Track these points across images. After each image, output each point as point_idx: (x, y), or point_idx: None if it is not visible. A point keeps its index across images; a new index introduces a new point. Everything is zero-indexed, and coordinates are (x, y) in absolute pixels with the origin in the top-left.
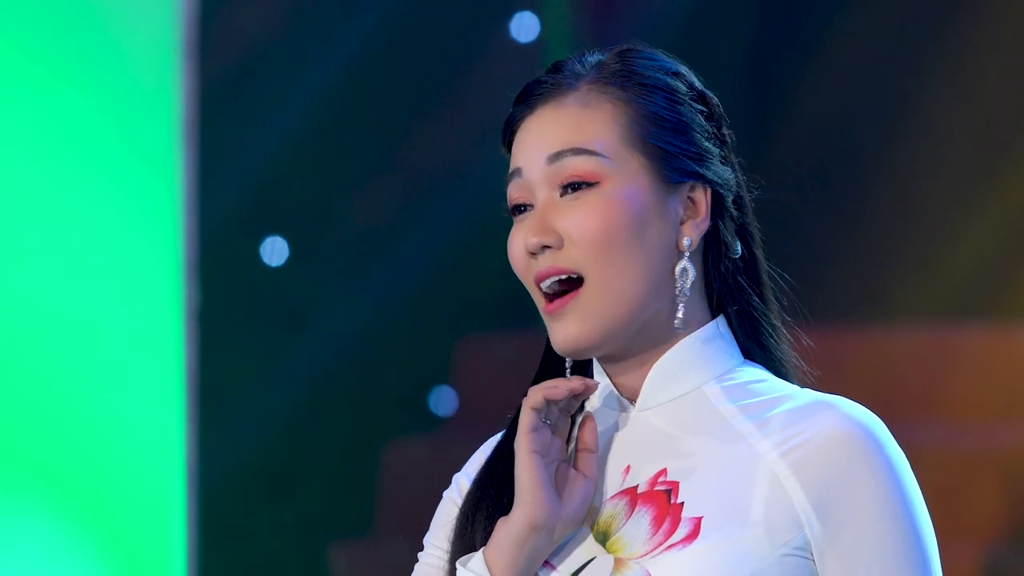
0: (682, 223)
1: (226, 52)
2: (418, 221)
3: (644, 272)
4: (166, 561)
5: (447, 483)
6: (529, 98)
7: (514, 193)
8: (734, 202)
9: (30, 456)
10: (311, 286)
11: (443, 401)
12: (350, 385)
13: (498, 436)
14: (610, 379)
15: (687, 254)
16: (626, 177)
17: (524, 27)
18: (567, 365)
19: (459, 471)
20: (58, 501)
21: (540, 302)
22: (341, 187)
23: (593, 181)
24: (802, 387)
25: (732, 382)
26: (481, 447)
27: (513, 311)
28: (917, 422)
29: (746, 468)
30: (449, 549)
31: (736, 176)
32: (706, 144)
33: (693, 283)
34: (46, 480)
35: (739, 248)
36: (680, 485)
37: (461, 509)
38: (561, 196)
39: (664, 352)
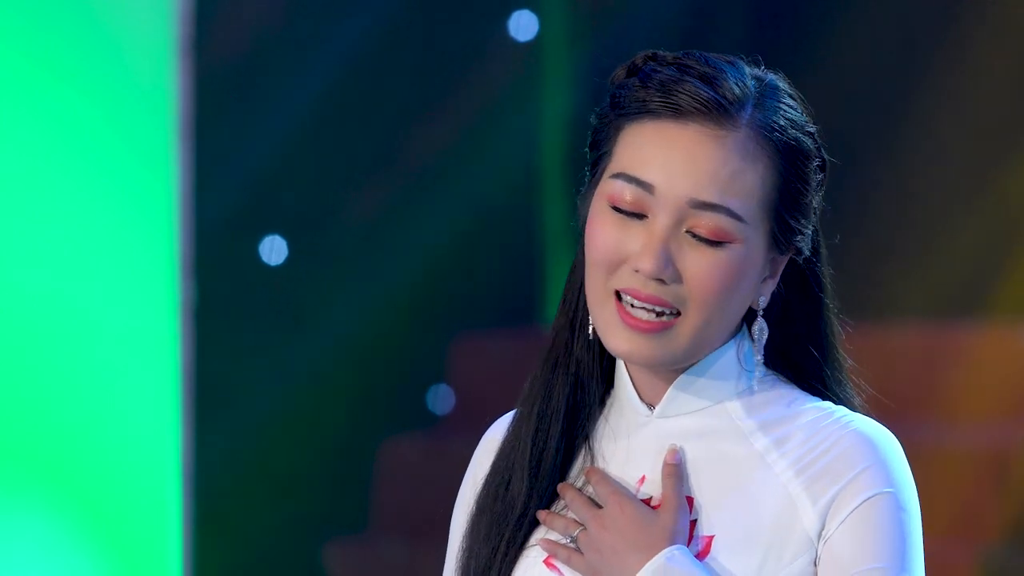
0: (763, 281)
1: (223, 50)
2: (416, 219)
3: (728, 323)
4: (162, 559)
5: (444, 481)
6: (682, 104)
7: (628, 197)
8: (805, 264)
9: (27, 455)
10: (309, 285)
11: (440, 399)
12: (347, 383)
13: (497, 429)
14: (632, 382)
15: (760, 312)
16: (754, 242)
17: (523, 26)
18: (590, 336)
19: (456, 499)
20: (55, 499)
21: (607, 302)
22: (337, 186)
23: (726, 241)
24: (823, 399)
25: (753, 396)
26: (474, 457)
27: (510, 309)
28: (914, 421)
29: (761, 487)
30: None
31: (816, 237)
32: (813, 214)
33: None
34: (43, 479)
35: (792, 304)
36: (695, 502)
37: (493, 469)
38: (686, 232)
39: (692, 363)
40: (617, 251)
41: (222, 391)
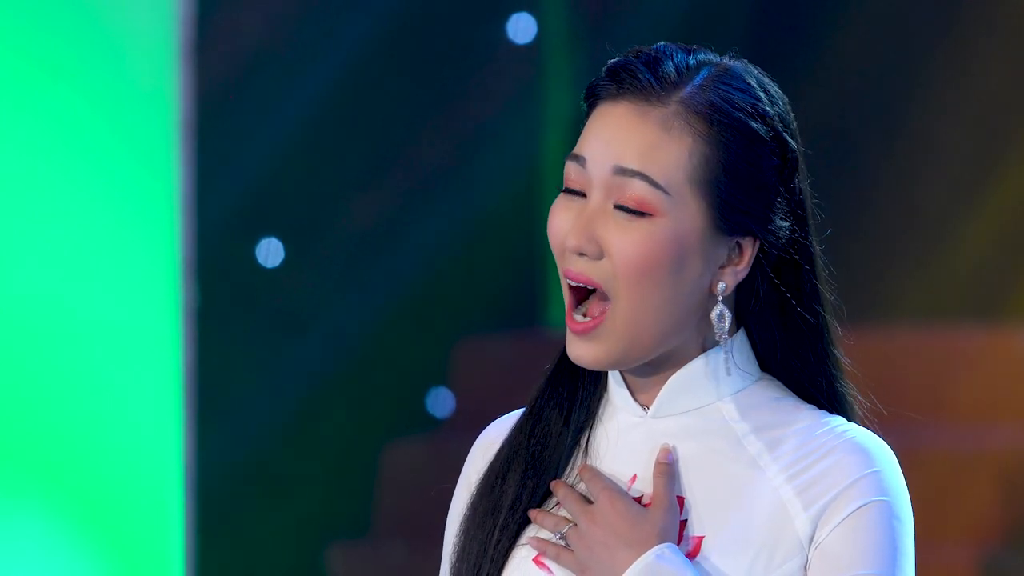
0: (721, 267)
1: (224, 54)
2: (415, 223)
3: (671, 308)
4: (164, 561)
5: (445, 484)
6: (621, 82)
7: (572, 175)
8: (793, 254)
9: (28, 456)
10: (308, 287)
11: (440, 403)
12: (348, 386)
13: (500, 426)
14: (625, 382)
15: (720, 298)
16: (681, 218)
17: (521, 28)
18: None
19: (452, 500)
20: (56, 501)
21: (565, 295)
22: (338, 189)
23: (648, 212)
24: (819, 408)
25: (747, 399)
26: (469, 456)
27: (510, 313)
28: (918, 424)
29: (753, 491)
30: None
31: (801, 230)
32: (768, 199)
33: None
34: (44, 480)
35: (775, 299)
36: (686, 502)
37: (489, 467)
38: (614, 208)
39: (684, 364)
40: (559, 232)
41: (224, 394)
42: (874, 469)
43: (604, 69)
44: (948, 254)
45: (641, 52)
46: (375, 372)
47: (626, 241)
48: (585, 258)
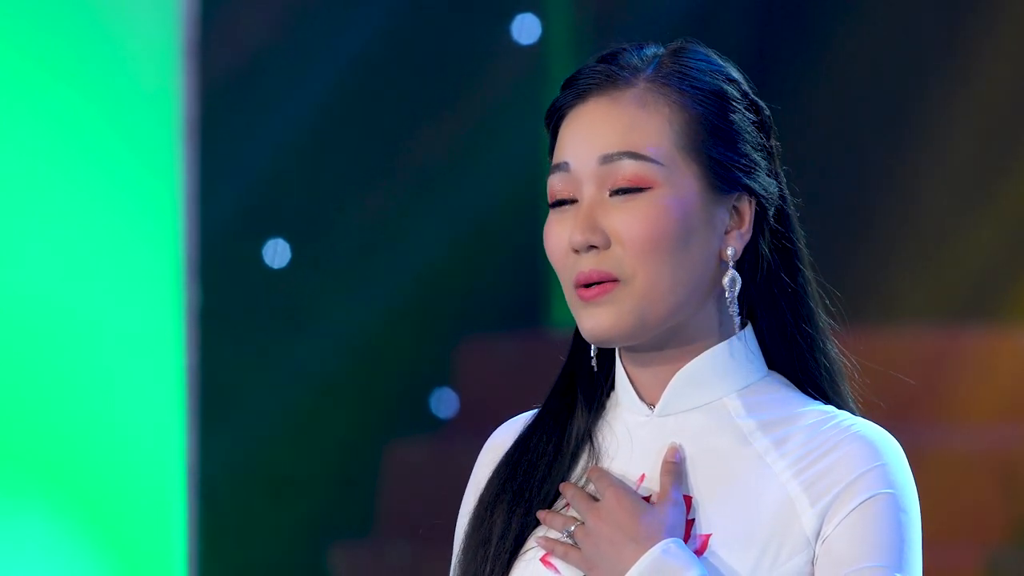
0: (726, 233)
1: (227, 54)
2: (419, 223)
3: (685, 278)
4: (167, 562)
5: (448, 484)
6: (581, 86)
7: (558, 186)
8: (777, 214)
9: (31, 457)
10: (312, 288)
11: (444, 403)
12: (351, 386)
13: (505, 433)
14: (631, 381)
15: (731, 264)
16: (677, 184)
17: (525, 29)
18: (592, 354)
19: (460, 504)
20: (59, 501)
21: (571, 292)
22: (342, 188)
23: (645, 187)
24: (826, 402)
25: (753, 395)
26: (477, 461)
27: (514, 313)
28: (917, 423)
29: (760, 487)
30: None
31: (780, 188)
32: (755, 155)
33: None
34: (47, 480)
35: (776, 260)
36: (693, 500)
37: (479, 499)
38: (610, 196)
39: (690, 359)
40: (560, 242)
41: (227, 394)
42: (880, 462)
43: (560, 89)
44: (950, 254)
45: (590, 60)
46: (379, 372)
47: (630, 219)
48: (594, 252)
